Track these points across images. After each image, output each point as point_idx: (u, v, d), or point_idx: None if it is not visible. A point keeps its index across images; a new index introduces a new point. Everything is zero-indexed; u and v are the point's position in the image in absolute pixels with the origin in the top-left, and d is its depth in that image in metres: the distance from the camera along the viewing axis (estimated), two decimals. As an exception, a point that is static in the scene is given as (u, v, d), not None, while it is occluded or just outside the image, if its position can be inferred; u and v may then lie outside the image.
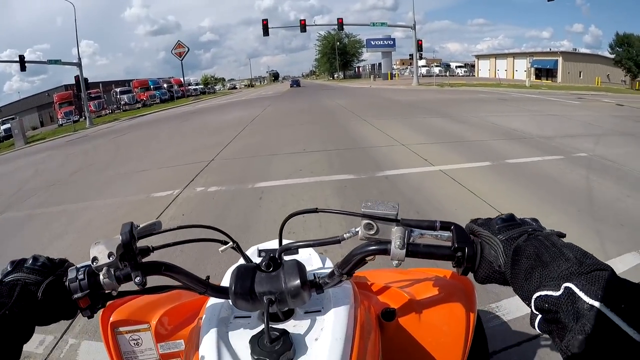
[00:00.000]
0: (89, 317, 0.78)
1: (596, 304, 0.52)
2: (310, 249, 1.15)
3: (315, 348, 0.80)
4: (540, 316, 0.59)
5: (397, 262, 0.76)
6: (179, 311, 1.19)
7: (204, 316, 0.91)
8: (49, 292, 0.74)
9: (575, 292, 0.55)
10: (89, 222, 5.86)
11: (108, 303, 0.81)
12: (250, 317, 0.90)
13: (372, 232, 0.79)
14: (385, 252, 0.76)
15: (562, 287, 0.56)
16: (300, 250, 1.14)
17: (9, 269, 0.77)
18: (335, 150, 8.74)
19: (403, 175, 6.47)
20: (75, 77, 36.37)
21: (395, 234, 0.76)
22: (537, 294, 0.59)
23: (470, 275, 0.78)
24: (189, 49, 55.70)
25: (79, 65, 36.14)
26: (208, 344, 0.82)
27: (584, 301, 0.53)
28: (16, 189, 9.37)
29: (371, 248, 0.78)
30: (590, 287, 0.54)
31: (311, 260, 1.13)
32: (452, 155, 7.60)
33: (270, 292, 0.80)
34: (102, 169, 10.20)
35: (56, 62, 36.67)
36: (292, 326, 0.85)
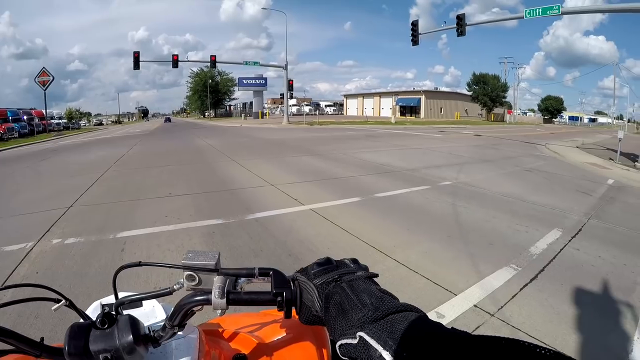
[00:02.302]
0: None
1: (384, 353, 0.54)
2: (154, 301, 1.08)
3: None
4: None
5: (220, 311, 0.77)
6: None
7: None
8: None
9: (367, 341, 0.57)
10: None
11: None
12: None
13: (194, 283, 0.82)
14: (208, 302, 0.77)
15: (357, 335, 0.59)
16: (144, 302, 1.05)
17: None
18: (203, 194, 8.70)
19: (274, 216, 6.62)
20: None
21: (215, 284, 0.77)
22: (340, 342, 0.62)
23: None
24: (53, 78, 51.11)
25: None
26: None
27: (375, 349, 0.56)
28: None
29: (194, 299, 0.79)
30: (381, 334, 0.57)
31: (155, 312, 1.05)
32: (323, 193, 7.97)
33: (105, 350, 0.76)
34: None
35: None
36: None
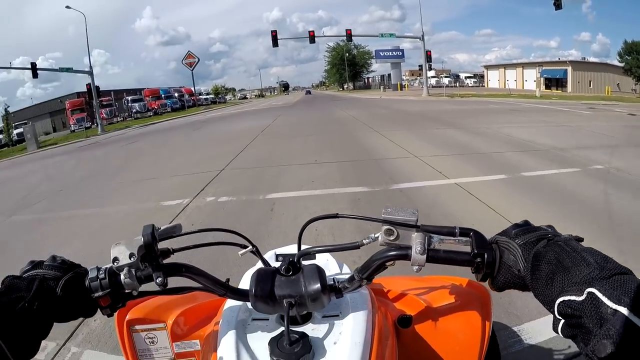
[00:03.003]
0: (108, 316, 0.79)
1: (620, 308, 0.52)
2: (328, 255, 1.16)
3: (334, 351, 0.80)
4: (563, 321, 0.59)
5: (417, 267, 0.76)
6: (195, 312, 1.20)
7: (222, 318, 0.93)
8: (68, 288, 0.74)
9: (599, 297, 0.55)
10: (97, 229, 5.81)
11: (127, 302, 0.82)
12: (268, 319, 0.90)
13: (392, 237, 0.79)
14: (406, 257, 0.76)
15: (585, 292, 0.56)
16: (317, 255, 1.14)
17: (28, 268, 0.77)
18: (348, 162, 8.61)
19: (418, 188, 6.31)
20: (87, 84, 37.16)
21: (415, 240, 0.76)
22: (560, 299, 0.59)
23: (487, 285, 0.79)
24: (199, 59, 56.17)
25: (90, 73, 36.75)
26: (226, 345, 0.83)
27: (608, 306, 0.53)
28: (26, 193, 9.38)
29: (392, 253, 0.78)
30: (613, 291, 0.54)
31: (329, 265, 1.11)
32: (467, 168, 7.45)
33: (290, 296, 0.80)
34: (112, 175, 10.19)
35: (68, 70, 37.36)
36: (310, 329, 0.86)
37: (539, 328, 2.63)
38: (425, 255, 0.75)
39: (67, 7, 35.43)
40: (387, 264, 0.80)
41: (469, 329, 1.10)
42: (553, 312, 0.61)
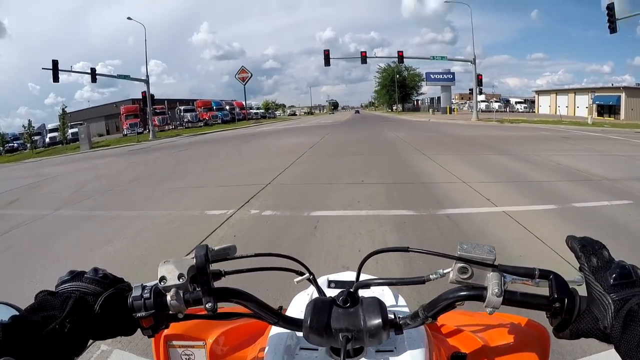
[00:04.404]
0: (149, 337, 0.75)
1: None
2: (386, 287, 1.11)
3: None
4: None
5: (490, 309, 0.71)
6: (236, 333, 1.15)
7: (269, 345, 0.88)
8: (108, 306, 0.69)
9: None
10: (140, 231, 5.90)
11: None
12: (317, 350, 0.85)
13: (465, 276, 0.74)
14: (480, 298, 0.72)
15: None
16: (372, 287, 1.04)
17: (66, 278, 0.71)
18: (395, 184, 8.45)
19: (465, 214, 6.08)
20: (142, 92, 38.79)
21: (491, 280, 0.72)
22: None
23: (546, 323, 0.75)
24: (251, 75, 57.68)
25: (146, 81, 38.27)
26: None
27: None
28: (75, 189, 9.70)
29: (465, 293, 0.74)
30: None
31: (384, 296, 1.05)
32: (516, 196, 7.18)
33: (347, 330, 0.74)
34: (159, 181, 10.45)
35: (125, 77, 39.13)
36: None
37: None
38: (501, 298, 0.70)
39: (129, 18, 37.76)
40: (457, 303, 0.75)
41: None
42: None
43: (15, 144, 43.08)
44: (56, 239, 5.80)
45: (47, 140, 44.30)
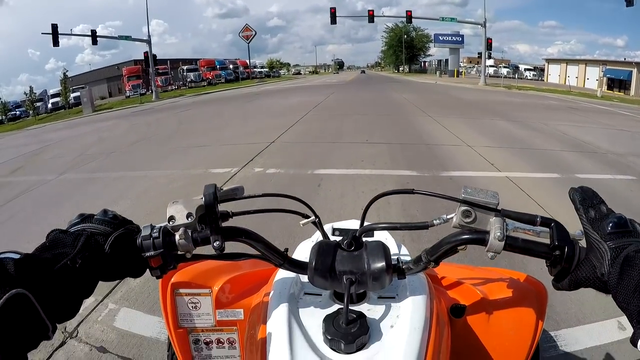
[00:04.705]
0: (157, 277, 0.75)
1: None
2: (387, 233, 1.14)
3: (391, 335, 0.77)
4: None
5: (492, 254, 0.72)
6: (241, 280, 1.18)
7: (273, 290, 0.91)
8: (118, 245, 0.70)
9: None
10: (144, 191, 5.95)
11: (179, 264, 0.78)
12: (321, 295, 0.88)
13: (469, 220, 0.73)
14: (482, 242, 0.72)
15: None
16: (375, 233, 1.10)
17: (76, 220, 0.72)
18: (399, 145, 8.41)
19: (468, 177, 6.13)
20: (144, 53, 38.10)
21: (494, 225, 0.71)
22: None
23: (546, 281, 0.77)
24: (256, 33, 56.66)
25: (148, 42, 37.62)
26: (278, 318, 0.81)
27: None
28: (79, 153, 9.71)
29: (467, 237, 0.74)
30: None
31: (387, 243, 0.98)
32: (519, 162, 7.16)
33: (351, 272, 0.77)
34: (163, 141, 10.44)
35: (126, 38, 38.47)
36: (365, 310, 0.82)
37: (576, 336, 2.58)
38: (503, 242, 0.70)
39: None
40: (459, 248, 0.76)
41: (522, 326, 1.07)
42: (636, 324, 0.56)
43: (17, 112, 42.80)
44: (61, 203, 5.83)
45: (50, 105, 43.83)
